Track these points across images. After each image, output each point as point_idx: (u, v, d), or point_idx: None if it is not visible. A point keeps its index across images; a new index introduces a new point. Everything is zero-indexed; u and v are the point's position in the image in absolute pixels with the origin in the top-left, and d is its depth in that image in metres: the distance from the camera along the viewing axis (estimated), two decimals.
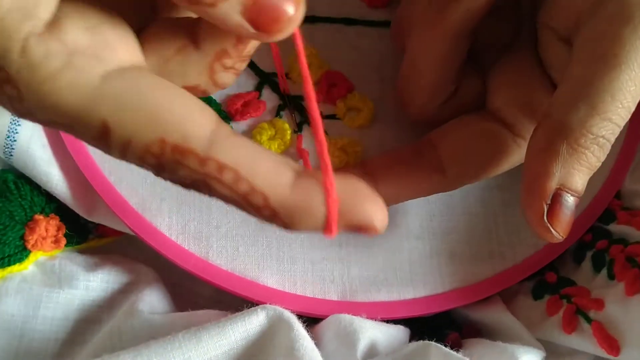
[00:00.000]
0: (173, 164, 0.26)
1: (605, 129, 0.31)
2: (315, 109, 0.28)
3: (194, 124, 0.26)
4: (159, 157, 0.25)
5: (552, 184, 0.31)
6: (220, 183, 0.26)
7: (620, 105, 0.31)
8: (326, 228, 0.27)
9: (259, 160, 0.27)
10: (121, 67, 0.26)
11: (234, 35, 0.29)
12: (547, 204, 0.32)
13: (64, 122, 0.25)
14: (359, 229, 0.28)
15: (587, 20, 0.32)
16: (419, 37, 0.37)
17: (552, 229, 0.32)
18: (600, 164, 0.32)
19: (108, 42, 0.26)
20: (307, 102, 0.28)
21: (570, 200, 0.32)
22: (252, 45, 0.30)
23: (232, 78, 0.30)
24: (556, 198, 0.31)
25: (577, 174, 0.31)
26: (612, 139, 0.31)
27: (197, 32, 0.29)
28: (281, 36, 0.27)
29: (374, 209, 0.28)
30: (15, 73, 0.24)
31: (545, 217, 0.32)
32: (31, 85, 0.24)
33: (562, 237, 0.32)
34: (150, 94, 0.25)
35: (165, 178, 0.27)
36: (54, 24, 0.25)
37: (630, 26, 0.31)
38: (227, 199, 0.27)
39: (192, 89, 0.29)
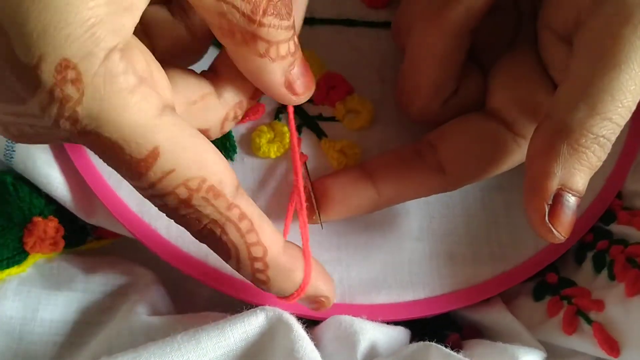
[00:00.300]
0: (202, 202, 0.29)
1: (606, 129, 0.31)
2: (303, 210, 0.37)
3: (228, 174, 0.30)
4: (192, 192, 0.29)
5: (554, 184, 0.31)
6: (236, 228, 0.31)
7: (620, 105, 0.30)
8: (293, 294, 0.34)
9: (265, 220, 0.32)
10: (170, 105, 0.29)
11: (251, 91, 0.35)
12: (548, 205, 0.31)
13: (114, 136, 0.27)
14: (314, 300, 0.35)
15: (587, 20, 0.32)
16: (419, 35, 0.37)
17: (553, 230, 0.32)
18: (600, 163, 0.32)
19: (158, 79, 0.29)
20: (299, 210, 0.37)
21: (571, 200, 0.32)
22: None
23: (232, 126, 0.36)
24: (557, 198, 0.31)
25: (578, 174, 0.31)
26: (613, 139, 0.31)
27: (218, 84, 0.34)
28: (301, 101, 0.35)
29: (331, 287, 0.36)
30: (91, 77, 0.25)
31: (546, 218, 0.32)
32: (100, 92, 0.26)
33: (564, 237, 0.32)
34: (198, 138, 0.29)
35: (181, 214, 0.30)
36: (128, 47, 0.27)
37: (630, 26, 0.30)
38: (232, 246, 0.31)
39: (203, 132, 0.33)
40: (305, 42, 0.45)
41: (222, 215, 0.30)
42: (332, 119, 0.43)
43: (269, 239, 0.32)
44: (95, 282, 0.39)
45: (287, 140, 0.41)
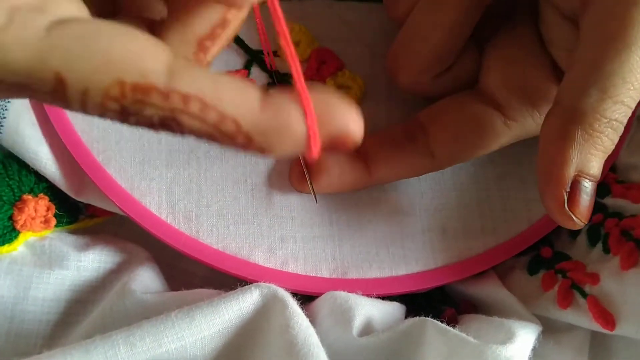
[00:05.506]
0: (137, 105, 0.24)
1: (618, 112, 0.31)
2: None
3: (149, 59, 0.24)
4: (121, 100, 0.24)
5: (571, 171, 0.31)
6: (188, 115, 0.25)
7: (631, 87, 0.30)
8: (308, 145, 0.26)
9: (222, 85, 0.25)
10: (66, 17, 0.24)
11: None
12: (566, 192, 0.31)
13: (17, 80, 0.24)
14: (337, 140, 0.27)
15: (594, 0, 0.32)
16: (431, 4, 0.37)
17: (573, 217, 0.32)
18: (614, 147, 0.32)
19: None
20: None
21: (588, 185, 0.32)
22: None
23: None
24: (575, 185, 0.31)
25: (594, 159, 0.31)
26: (625, 121, 0.31)
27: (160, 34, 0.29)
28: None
29: (349, 115, 0.27)
30: None
31: (565, 205, 0.32)
32: None
33: (584, 223, 0.32)
34: (99, 36, 0.24)
35: (132, 123, 0.25)
36: None
37: (638, 6, 0.30)
38: (200, 133, 0.26)
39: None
40: (296, 17, 0.44)
41: (164, 110, 0.25)
42: None
43: (235, 106, 0.25)
44: (88, 260, 0.39)
45: None
